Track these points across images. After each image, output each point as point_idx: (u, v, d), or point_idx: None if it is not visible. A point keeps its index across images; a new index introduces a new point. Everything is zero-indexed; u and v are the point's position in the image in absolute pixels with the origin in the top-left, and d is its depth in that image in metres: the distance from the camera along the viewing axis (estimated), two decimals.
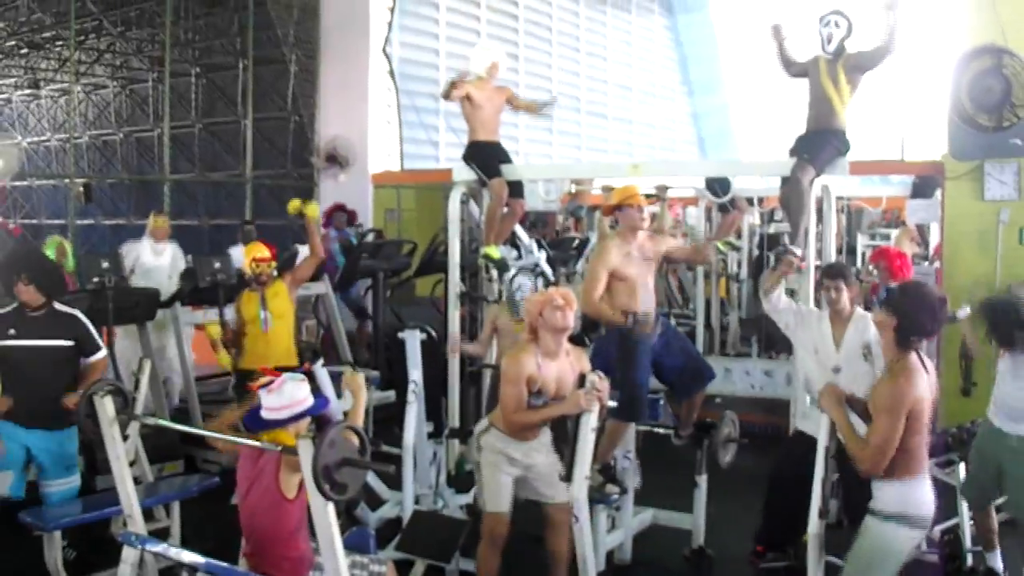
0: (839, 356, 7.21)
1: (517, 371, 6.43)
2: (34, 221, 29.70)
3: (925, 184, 12.89)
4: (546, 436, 6.76)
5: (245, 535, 5.45)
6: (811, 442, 5.93)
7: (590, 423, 6.22)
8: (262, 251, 9.36)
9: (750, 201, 13.92)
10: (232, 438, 5.45)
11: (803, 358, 7.74)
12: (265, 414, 5.25)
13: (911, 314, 5.34)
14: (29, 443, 7.03)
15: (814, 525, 5.58)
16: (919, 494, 5.40)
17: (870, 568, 5.52)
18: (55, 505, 7.06)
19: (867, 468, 5.31)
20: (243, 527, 5.43)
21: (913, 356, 5.36)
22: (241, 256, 10.90)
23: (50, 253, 11.32)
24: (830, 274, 7.47)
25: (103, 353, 7.51)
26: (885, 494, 5.38)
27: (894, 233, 14.07)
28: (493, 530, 6.57)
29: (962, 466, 7.41)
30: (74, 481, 7.32)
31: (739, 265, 14.77)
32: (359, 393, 5.68)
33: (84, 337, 7.29)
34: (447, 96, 9.85)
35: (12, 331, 6.98)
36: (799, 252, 8.17)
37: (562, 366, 6.52)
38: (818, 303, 7.86)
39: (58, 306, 7.23)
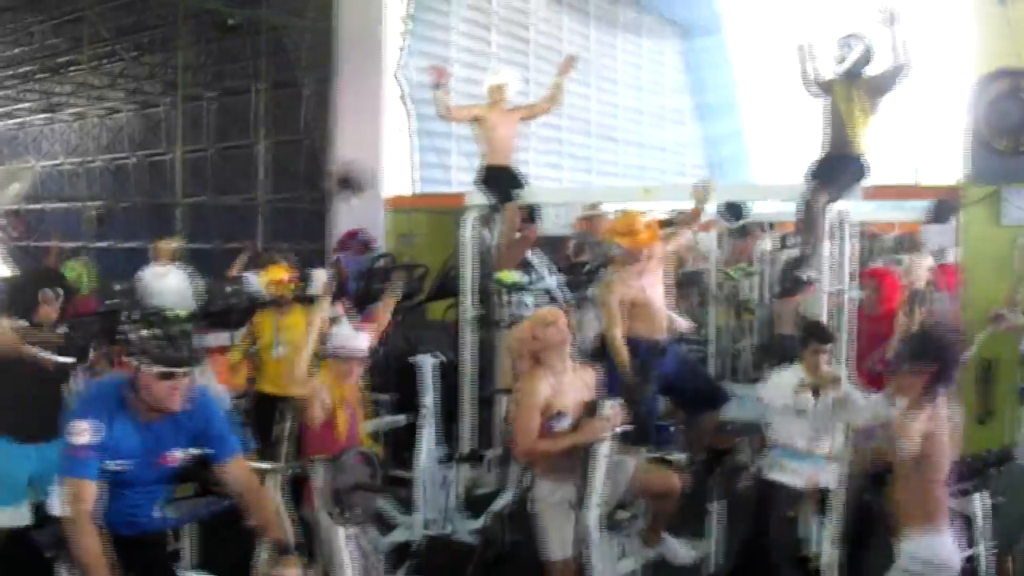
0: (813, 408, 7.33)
1: (530, 400, 6.34)
2: (48, 243, 29.73)
3: (941, 209, 12.83)
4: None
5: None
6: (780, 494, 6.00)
7: (603, 451, 6.16)
8: (280, 274, 9.33)
9: (761, 227, 13.86)
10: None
11: (785, 425, 7.59)
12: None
13: (951, 364, 5.37)
14: (38, 460, 6.92)
15: (826, 555, 5.57)
16: (945, 544, 5.39)
17: None
18: None
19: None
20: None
21: (941, 403, 5.35)
22: (255, 280, 10.91)
23: (71, 275, 11.38)
24: (824, 338, 7.58)
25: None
26: (911, 547, 5.36)
27: (906, 259, 13.99)
28: None
29: (977, 496, 7.32)
30: None
31: (751, 291, 14.70)
32: None
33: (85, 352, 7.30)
34: (445, 115, 9.86)
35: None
36: (805, 276, 8.16)
37: (574, 382, 6.45)
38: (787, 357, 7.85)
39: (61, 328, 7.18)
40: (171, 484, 5.57)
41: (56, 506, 4.95)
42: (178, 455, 5.07)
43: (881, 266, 12.64)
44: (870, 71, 8.43)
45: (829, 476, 6.78)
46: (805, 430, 7.37)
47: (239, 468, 5.17)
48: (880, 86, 8.40)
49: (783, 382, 7.54)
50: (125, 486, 4.88)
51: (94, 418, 4.65)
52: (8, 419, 6.91)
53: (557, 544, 6.36)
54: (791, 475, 7.31)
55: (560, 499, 6.33)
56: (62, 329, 7.17)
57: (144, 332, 4.65)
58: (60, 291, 7.11)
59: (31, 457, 6.89)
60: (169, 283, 11.34)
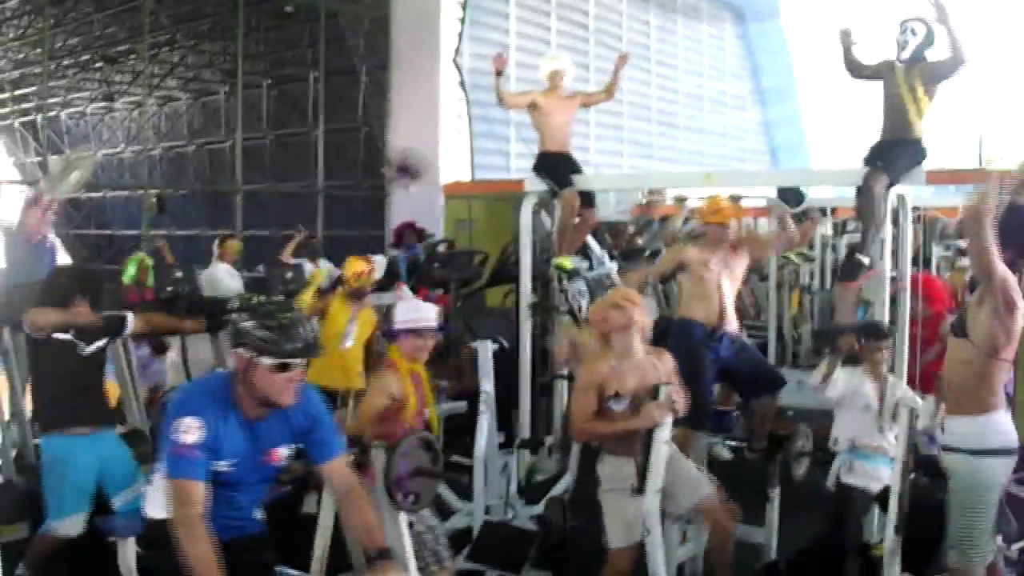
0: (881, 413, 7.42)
1: (587, 380, 6.35)
2: (108, 232, 29.98)
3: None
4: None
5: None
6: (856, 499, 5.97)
7: (663, 436, 6.12)
8: (363, 264, 9.27)
9: (823, 211, 13.78)
10: None
11: (849, 420, 7.66)
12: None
13: None
14: (100, 453, 6.92)
15: (890, 540, 5.53)
16: (1000, 423, 5.42)
17: (972, 508, 5.48)
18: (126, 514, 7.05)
19: None
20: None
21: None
22: (310, 267, 10.93)
23: (132, 269, 11.41)
24: (880, 335, 7.65)
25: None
26: (961, 427, 5.39)
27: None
28: (618, 567, 6.34)
29: None
30: (140, 488, 7.27)
31: (811, 276, 14.61)
32: None
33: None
34: (501, 100, 9.85)
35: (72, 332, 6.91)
36: (866, 260, 8.10)
37: (642, 365, 6.39)
38: (856, 360, 7.76)
39: None
40: (271, 484, 5.21)
41: (155, 508, 4.67)
42: (283, 453, 4.79)
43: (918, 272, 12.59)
44: (931, 56, 8.34)
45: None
46: (873, 428, 7.42)
47: (341, 469, 4.81)
48: (938, 73, 8.31)
49: (850, 379, 7.54)
50: (228, 487, 4.62)
51: (199, 415, 4.35)
52: (63, 410, 6.91)
53: (619, 530, 6.31)
54: (865, 479, 7.33)
55: (622, 484, 6.27)
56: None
57: (255, 322, 4.36)
58: (94, 296, 7.08)
59: (92, 451, 6.92)
60: (238, 286, 11.35)
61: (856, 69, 8.76)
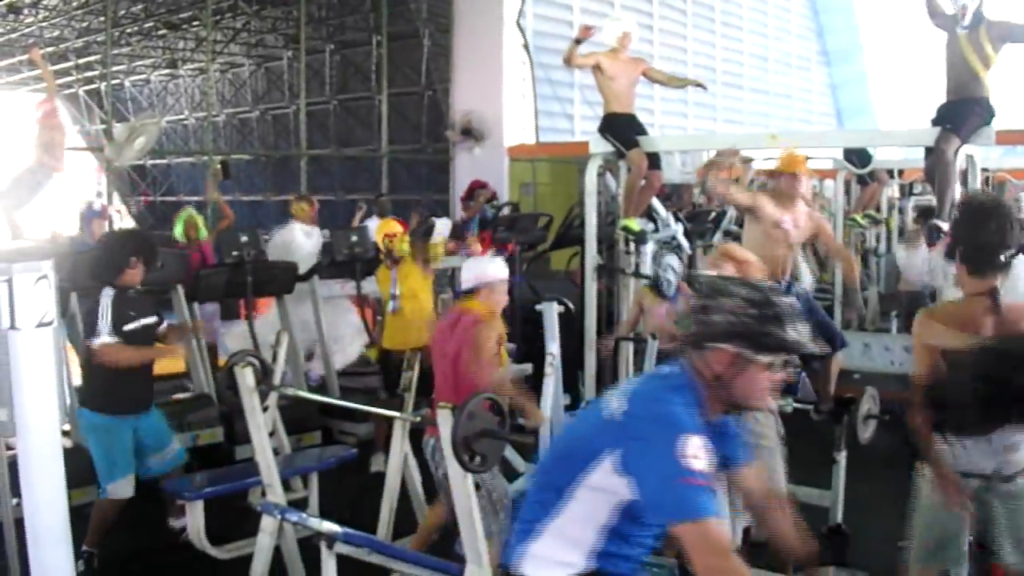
0: None
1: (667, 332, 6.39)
2: (173, 198, 30.20)
3: None
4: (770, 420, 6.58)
5: (438, 381, 6.43)
6: None
7: None
8: (393, 227, 9.28)
9: (890, 173, 13.64)
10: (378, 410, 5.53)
11: None
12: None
13: None
14: (136, 427, 7.04)
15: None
16: None
17: None
18: (161, 476, 7.14)
19: None
20: (437, 373, 6.44)
21: None
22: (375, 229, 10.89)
23: (180, 227, 11.48)
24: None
25: (166, 322, 7.54)
26: None
27: None
28: None
29: None
30: (176, 446, 7.37)
31: (878, 239, 14.48)
32: None
33: (158, 310, 7.37)
34: (567, 61, 9.79)
35: (132, 312, 6.96)
36: (945, 225, 7.97)
37: None
38: None
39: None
40: None
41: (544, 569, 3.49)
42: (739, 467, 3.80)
43: None
44: (994, 15, 8.19)
45: None
46: None
47: (753, 476, 3.89)
48: (1008, 36, 8.17)
49: None
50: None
51: (700, 431, 3.30)
52: (111, 397, 6.96)
53: None
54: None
55: None
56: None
57: (756, 311, 3.43)
58: (147, 256, 7.13)
59: (134, 429, 7.04)
60: (314, 244, 11.32)
61: (935, 15, 8.60)
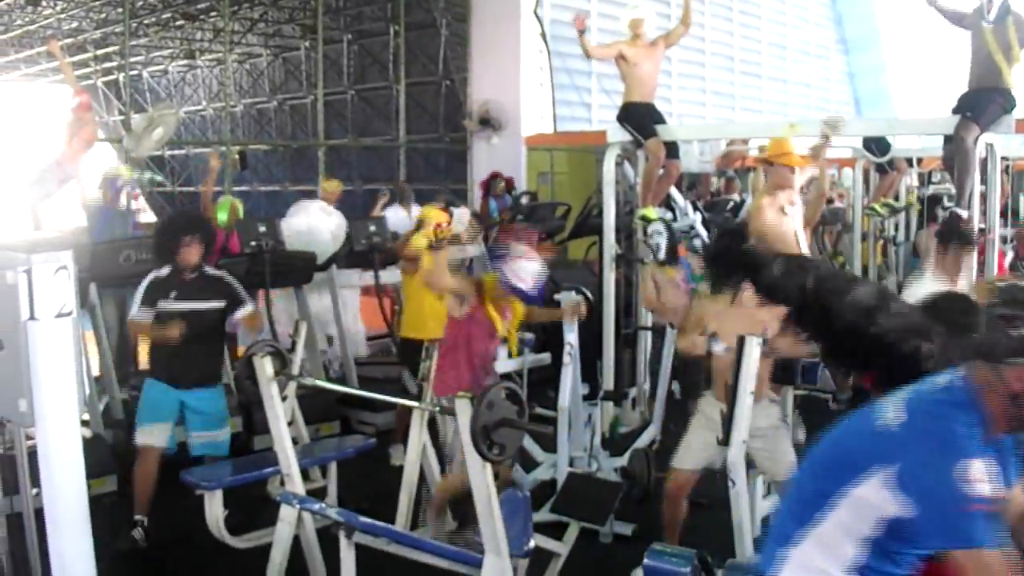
0: None
1: (695, 315, 6.47)
2: (191, 188, 30.24)
3: None
4: (774, 408, 6.51)
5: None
6: None
7: (747, 387, 6.03)
8: (441, 216, 9.15)
9: (909, 162, 13.59)
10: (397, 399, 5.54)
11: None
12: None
13: None
14: (183, 399, 7.18)
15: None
16: None
17: None
18: (199, 455, 7.27)
19: None
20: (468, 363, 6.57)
21: None
22: (398, 217, 10.84)
23: (223, 214, 11.48)
24: (966, 238, 7.37)
25: (251, 307, 7.65)
26: None
27: None
28: (671, 485, 6.41)
29: None
30: (222, 435, 7.39)
31: (897, 228, 14.43)
32: None
33: (234, 295, 7.42)
34: (588, 55, 9.79)
35: (174, 293, 7.08)
36: (965, 215, 7.94)
37: (748, 314, 6.20)
38: None
39: (208, 269, 7.38)
40: None
41: None
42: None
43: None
44: (1017, 8, 8.16)
45: None
46: None
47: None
48: None
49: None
50: None
51: (983, 453, 2.97)
52: (165, 367, 7.18)
53: (684, 452, 6.38)
54: None
55: (707, 422, 6.30)
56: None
57: None
58: (201, 235, 7.24)
59: (180, 399, 7.19)
60: (332, 224, 11.28)
61: (959, 18, 8.57)
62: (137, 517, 7.04)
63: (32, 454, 4.64)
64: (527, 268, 6.45)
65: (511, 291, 6.44)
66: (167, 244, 7.20)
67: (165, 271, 7.15)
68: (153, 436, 7.08)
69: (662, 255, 8.77)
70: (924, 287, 7.04)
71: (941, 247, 7.34)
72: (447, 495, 6.54)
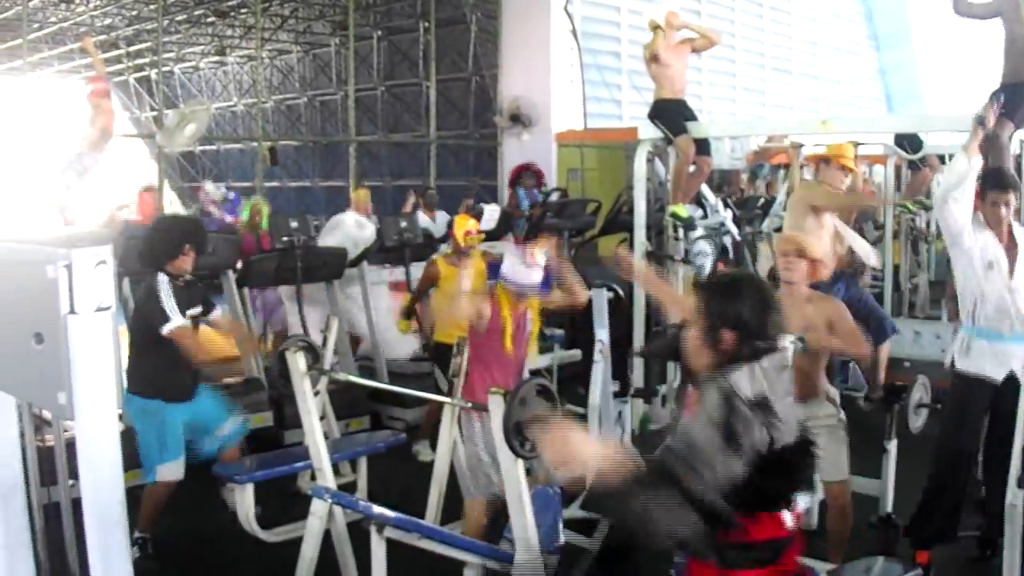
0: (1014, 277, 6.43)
1: None
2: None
3: None
4: (827, 407, 6.44)
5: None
6: (974, 388, 5.70)
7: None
8: (472, 224, 9.12)
9: (941, 159, 13.55)
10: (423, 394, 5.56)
11: (972, 273, 6.61)
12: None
13: None
14: (185, 417, 7.01)
15: (1012, 495, 5.37)
16: None
17: None
18: (219, 451, 7.16)
19: None
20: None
21: None
22: (423, 221, 10.90)
23: (245, 214, 11.53)
24: (1001, 184, 6.53)
25: (219, 309, 7.57)
26: None
27: None
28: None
29: None
30: (230, 426, 7.32)
31: (928, 225, 14.37)
32: None
33: (207, 300, 7.33)
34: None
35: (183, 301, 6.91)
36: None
37: (798, 310, 6.12)
38: None
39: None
40: None
41: None
42: None
43: None
44: None
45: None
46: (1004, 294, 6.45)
47: None
48: None
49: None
50: None
51: None
52: (160, 384, 6.91)
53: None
54: (992, 362, 6.48)
55: None
56: None
57: None
58: (201, 246, 7.16)
59: (183, 412, 7.01)
60: (366, 234, 11.29)
61: (964, 6, 8.53)
62: (139, 535, 6.86)
63: (69, 446, 4.69)
64: (527, 268, 6.51)
65: (520, 290, 6.46)
66: (166, 250, 6.93)
67: (165, 277, 6.86)
68: (175, 471, 6.92)
69: (706, 273, 8.77)
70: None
71: (980, 193, 6.90)
72: (475, 534, 6.52)
